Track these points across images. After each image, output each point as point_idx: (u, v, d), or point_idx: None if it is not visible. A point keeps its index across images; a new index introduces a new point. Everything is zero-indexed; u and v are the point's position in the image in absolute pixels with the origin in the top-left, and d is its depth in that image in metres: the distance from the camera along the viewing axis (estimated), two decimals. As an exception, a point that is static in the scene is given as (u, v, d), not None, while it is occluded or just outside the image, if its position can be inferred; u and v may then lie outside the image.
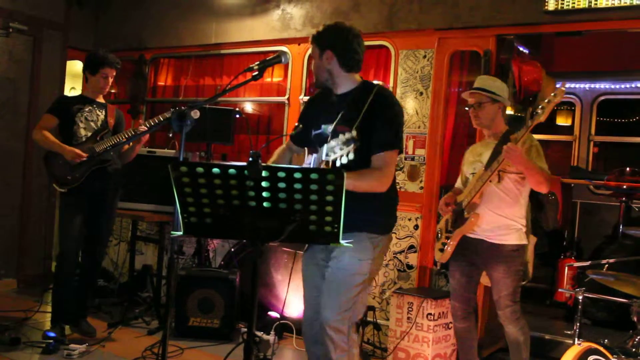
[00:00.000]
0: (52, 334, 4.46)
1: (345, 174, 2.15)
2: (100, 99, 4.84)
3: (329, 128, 2.98)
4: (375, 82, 5.21)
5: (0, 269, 6.10)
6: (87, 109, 4.72)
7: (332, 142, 2.55)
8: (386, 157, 2.89)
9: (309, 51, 5.35)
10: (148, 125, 4.63)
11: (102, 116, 4.76)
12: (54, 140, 4.62)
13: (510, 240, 3.72)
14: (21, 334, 4.58)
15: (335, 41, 3.00)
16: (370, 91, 2.94)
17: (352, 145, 2.47)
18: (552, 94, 3.31)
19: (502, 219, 3.71)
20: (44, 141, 4.64)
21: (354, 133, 2.49)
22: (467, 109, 3.88)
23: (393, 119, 2.95)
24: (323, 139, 2.99)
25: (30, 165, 6.16)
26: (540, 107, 3.33)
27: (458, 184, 4.11)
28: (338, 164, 2.47)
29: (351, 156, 2.48)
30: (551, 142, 7.39)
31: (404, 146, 4.56)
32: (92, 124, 4.71)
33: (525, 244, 3.81)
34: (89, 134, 4.68)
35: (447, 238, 3.89)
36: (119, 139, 4.63)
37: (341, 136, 2.51)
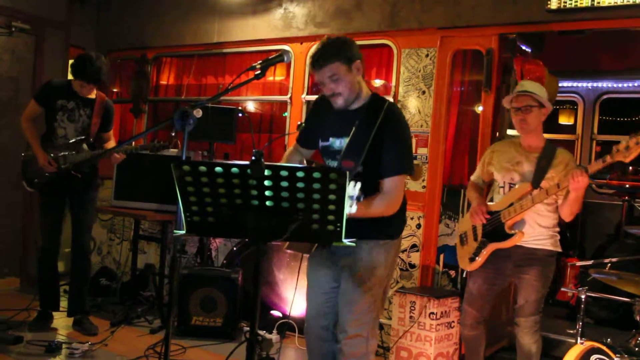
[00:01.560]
0: None
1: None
2: (91, 95, 4.83)
3: (337, 142, 2.98)
4: (377, 81, 5.26)
5: (4, 267, 6.11)
6: (70, 107, 4.75)
7: None
8: (396, 182, 2.86)
9: (311, 51, 5.37)
10: (123, 152, 4.65)
11: (84, 117, 4.78)
12: (35, 137, 4.73)
13: (547, 246, 3.63)
14: (24, 333, 4.59)
15: (356, 50, 2.92)
16: (379, 112, 2.87)
17: (355, 201, 2.42)
18: None
19: (541, 228, 3.63)
20: (26, 133, 4.78)
21: (357, 190, 2.39)
22: (515, 111, 3.66)
23: (403, 142, 2.92)
24: (330, 153, 3.02)
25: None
26: (626, 146, 3.09)
27: (476, 178, 3.96)
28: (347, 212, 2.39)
29: (354, 209, 2.40)
30: (553, 141, 7.36)
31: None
32: (72, 125, 4.75)
33: (559, 251, 3.71)
34: (69, 133, 4.74)
35: (479, 248, 3.74)
36: (91, 155, 4.70)
37: (350, 188, 2.40)
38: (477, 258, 3.74)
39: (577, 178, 3.22)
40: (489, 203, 3.78)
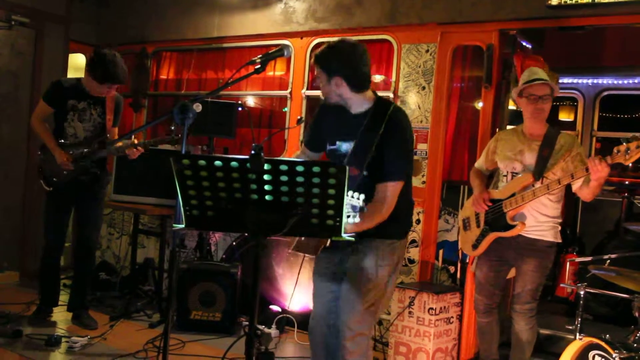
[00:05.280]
0: None
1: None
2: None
3: (344, 146, 2.98)
4: (377, 76, 5.24)
5: (3, 261, 6.11)
6: (81, 107, 4.70)
7: None
8: (391, 188, 2.86)
9: (311, 45, 5.38)
10: (141, 147, 4.56)
11: (95, 116, 4.73)
12: (50, 137, 4.67)
13: (547, 237, 3.68)
14: (23, 327, 4.59)
15: (343, 66, 2.87)
16: (384, 116, 2.87)
17: (358, 212, 2.43)
18: None
19: (543, 218, 3.68)
20: (40, 133, 4.71)
21: (361, 201, 2.40)
22: (532, 99, 3.62)
23: (404, 148, 2.92)
24: (337, 157, 3.01)
25: (32, 159, 6.16)
26: (627, 148, 3.06)
27: (479, 165, 4.01)
28: (350, 221, 2.41)
29: (357, 219, 2.41)
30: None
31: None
32: (81, 125, 4.70)
33: (559, 242, 3.76)
34: (78, 132, 4.70)
35: (482, 236, 3.82)
36: (109, 151, 4.69)
37: (350, 198, 2.41)
38: (479, 245, 3.84)
39: (596, 167, 3.17)
40: (492, 190, 3.85)
